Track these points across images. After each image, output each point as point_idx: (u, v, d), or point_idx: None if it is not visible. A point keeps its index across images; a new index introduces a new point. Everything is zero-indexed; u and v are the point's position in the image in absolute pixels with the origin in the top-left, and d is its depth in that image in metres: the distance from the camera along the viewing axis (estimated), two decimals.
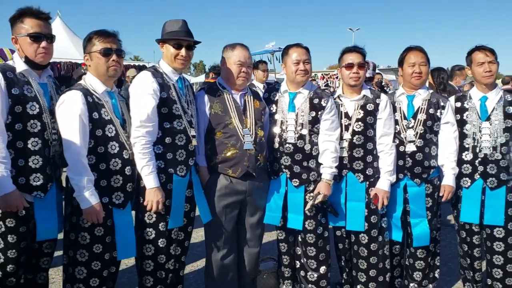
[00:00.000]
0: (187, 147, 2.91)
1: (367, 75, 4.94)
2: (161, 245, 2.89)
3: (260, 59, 8.36)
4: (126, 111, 2.85)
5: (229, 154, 3.01)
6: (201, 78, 20.70)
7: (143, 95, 2.77)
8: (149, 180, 2.76)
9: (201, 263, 4.05)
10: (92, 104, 2.61)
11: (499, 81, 10.03)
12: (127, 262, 3.89)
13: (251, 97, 3.17)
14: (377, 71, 12.30)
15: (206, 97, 3.07)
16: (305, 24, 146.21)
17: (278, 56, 11.49)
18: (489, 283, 3.40)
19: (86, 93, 2.63)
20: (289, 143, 3.20)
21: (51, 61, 2.82)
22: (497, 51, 3.29)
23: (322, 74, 21.54)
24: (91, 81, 2.72)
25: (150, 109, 2.76)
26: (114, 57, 2.69)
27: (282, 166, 3.24)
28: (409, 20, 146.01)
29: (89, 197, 2.56)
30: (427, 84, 5.16)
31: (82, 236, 2.67)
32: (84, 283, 2.71)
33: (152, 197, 2.77)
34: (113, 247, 2.76)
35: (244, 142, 3.02)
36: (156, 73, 2.89)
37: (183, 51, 2.89)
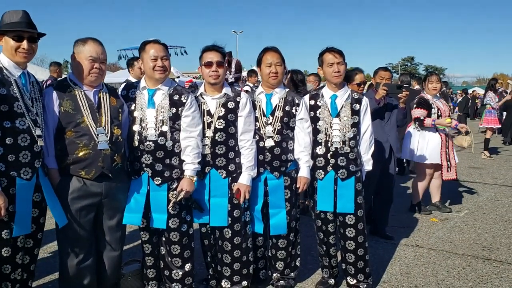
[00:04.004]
0: (32, 148, 2.70)
1: (230, 79, 5.00)
2: (5, 255, 2.66)
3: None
4: None
5: (81, 154, 2.86)
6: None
7: None
8: None
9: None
10: None
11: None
12: None
13: (107, 94, 3.04)
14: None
15: (54, 94, 2.88)
16: (190, 25, 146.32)
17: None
18: (343, 268, 3.68)
19: None
20: (149, 141, 3.14)
21: None
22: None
23: None
24: None
25: None
26: None
27: (143, 165, 3.17)
28: (291, 23, 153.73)
29: None
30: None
31: None
32: None
33: None
34: None
35: (98, 142, 2.88)
36: None
37: (24, 44, 2.69)
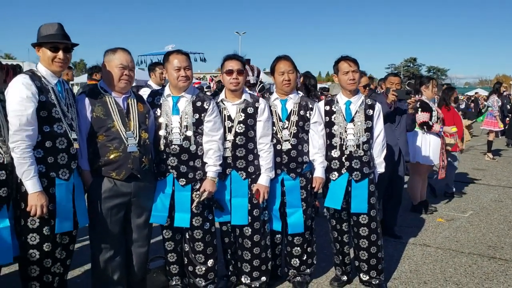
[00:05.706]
0: (69, 150, 2.90)
1: (252, 81, 5.21)
2: (46, 249, 2.88)
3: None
4: (2, 116, 2.78)
5: (112, 156, 3.05)
6: (82, 78, 19.09)
7: (21, 98, 2.73)
8: (31, 184, 2.74)
9: (88, 266, 3.98)
10: None
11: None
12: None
13: (135, 100, 3.23)
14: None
15: (87, 101, 3.08)
16: (196, 27, 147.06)
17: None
18: (356, 265, 3.85)
19: None
20: (175, 145, 3.33)
21: None
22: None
23: (211, 76, 21.94)
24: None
25: (29, 112, 2.73)
26: None
27: (169, 167, 3.36)
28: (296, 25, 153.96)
29: None
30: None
31: None
32: None
33: (35, 202, 2.75)
34: None
35: (128, 145, 3.08)
36: (34, 76, 2.85)
37: (60, 54, 2.89)
